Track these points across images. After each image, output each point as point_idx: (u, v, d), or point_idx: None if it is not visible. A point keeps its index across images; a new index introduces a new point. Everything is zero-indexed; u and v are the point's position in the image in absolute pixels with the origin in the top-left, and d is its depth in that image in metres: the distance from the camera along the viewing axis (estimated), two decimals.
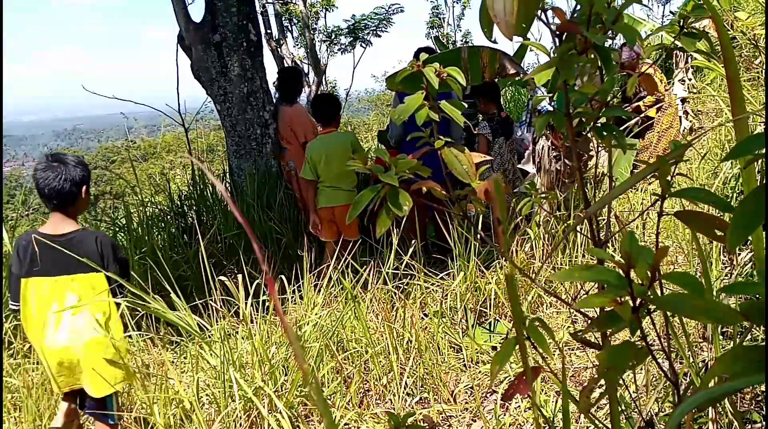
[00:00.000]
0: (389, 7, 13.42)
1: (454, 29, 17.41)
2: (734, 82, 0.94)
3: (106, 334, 2.26)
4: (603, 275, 0.61)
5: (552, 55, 1.00)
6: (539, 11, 0.89)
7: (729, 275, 2.50)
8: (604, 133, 1.09)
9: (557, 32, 0.92)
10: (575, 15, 0.98)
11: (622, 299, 0.61)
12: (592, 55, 0.94)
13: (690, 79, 4.59)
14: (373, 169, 1.06)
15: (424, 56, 1.16)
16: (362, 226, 4.38)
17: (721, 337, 2.14)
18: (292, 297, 3.06)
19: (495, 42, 1.19)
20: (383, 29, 13.71)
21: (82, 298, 2.28)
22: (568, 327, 2.86)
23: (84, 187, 2.33)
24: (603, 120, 1.06)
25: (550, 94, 1.16)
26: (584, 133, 1.09)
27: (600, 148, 3.45)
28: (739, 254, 2.45)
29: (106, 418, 2.33)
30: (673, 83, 4.72)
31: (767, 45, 3.49)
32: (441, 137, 1.16)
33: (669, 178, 0.94)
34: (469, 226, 3.37)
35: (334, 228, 4.22)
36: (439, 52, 4.73)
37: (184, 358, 2.95)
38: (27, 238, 2.31)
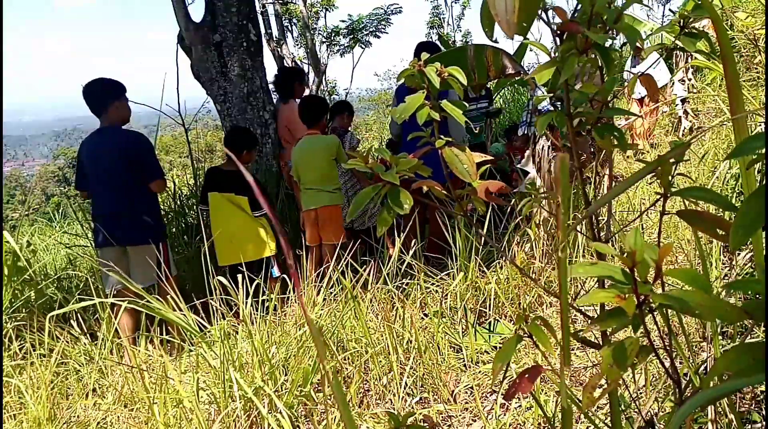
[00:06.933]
0: (387, 8, 13.44)
1: (453, 29, 17.43)
2: (733, 82, 0.94)
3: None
4: (608, 271, 0.61)
5: (553, 54, 1.00)
6: (540, 10, 0.89)
7: (728, 275, 2.50)
8: (605, 133, 1.09)
9: (558, 31, 0.92)
10: (575, 15, 0.98)
11: (626, 296, 0.61)
12: (593, 55, 0.94)
13: (690, 79, 4.59)
14: (374, 168, 1.05)
15: (425, 55, 1.16)
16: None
17: (720, 337, 2.14)
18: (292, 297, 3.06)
19: (496, 41, 1.20)
20: (382, 30, 13.72)
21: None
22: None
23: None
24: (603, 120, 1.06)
25: (551, 94, 1.16)
26: (583, 133, 1.09)
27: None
28: (739, 254, 2.45)
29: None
30: (673, 83, 4.72)
31: (767, 45, 3.49)
32: (442, 137, 1.16)
33: (669, 177, 0.94)
34: (468, 224, 3.37)
35: (316, 232, 4.07)
36: (442, 50, 4.76)
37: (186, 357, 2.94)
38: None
